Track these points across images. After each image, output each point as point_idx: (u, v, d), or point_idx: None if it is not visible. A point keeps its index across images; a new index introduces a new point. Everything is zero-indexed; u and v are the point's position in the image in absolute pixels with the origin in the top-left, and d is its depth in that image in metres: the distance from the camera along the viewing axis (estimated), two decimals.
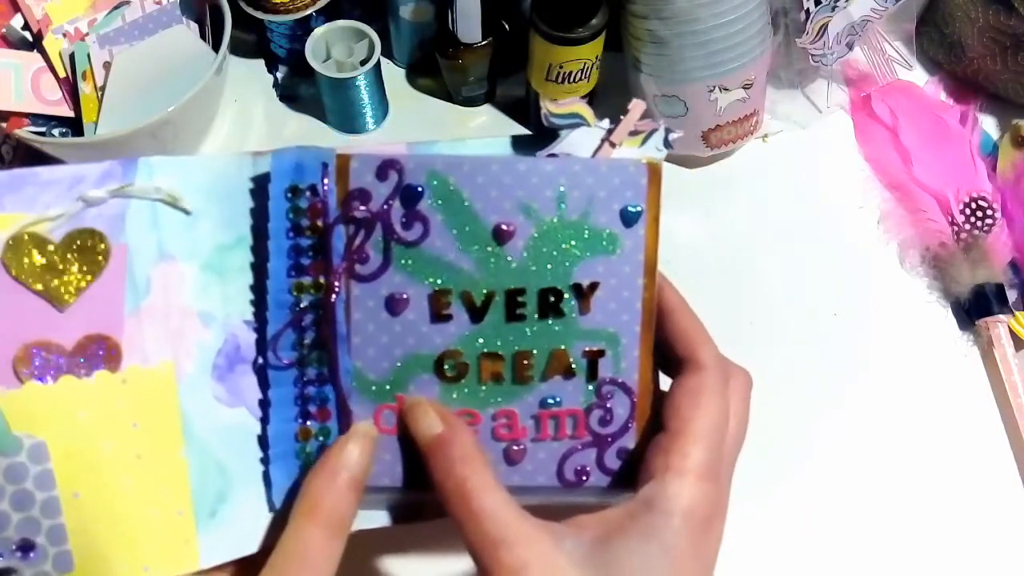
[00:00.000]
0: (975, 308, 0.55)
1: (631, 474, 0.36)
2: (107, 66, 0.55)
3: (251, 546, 0.35)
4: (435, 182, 0.34)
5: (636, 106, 0.36)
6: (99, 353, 0.33)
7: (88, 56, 0.54)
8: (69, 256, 0.33)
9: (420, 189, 0.34)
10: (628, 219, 0.35)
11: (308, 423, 0.35)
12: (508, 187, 0.34)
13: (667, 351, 0.36)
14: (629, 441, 0.36)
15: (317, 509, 0.32)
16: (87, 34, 0.55)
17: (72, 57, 0.55)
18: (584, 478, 0.36)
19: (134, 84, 0.55)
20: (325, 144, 0.36)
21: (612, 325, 0.35)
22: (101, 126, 0.55)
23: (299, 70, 0.63)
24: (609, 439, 0.36)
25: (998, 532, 0.50)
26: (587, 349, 0.35)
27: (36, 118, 0.55)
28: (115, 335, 0.33)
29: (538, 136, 0.37)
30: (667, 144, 0.36)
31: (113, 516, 0.32)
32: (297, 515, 0.32)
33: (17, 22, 0.55)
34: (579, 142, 0.36)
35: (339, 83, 0.57)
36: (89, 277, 0.33)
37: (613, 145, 0.36)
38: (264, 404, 0.35)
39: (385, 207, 0.34)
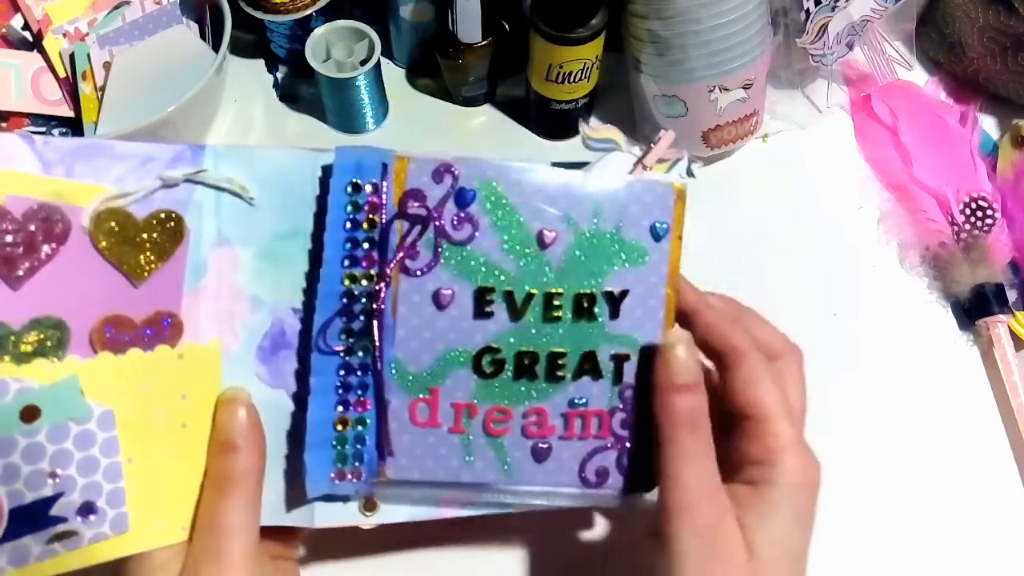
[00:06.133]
0: (975, 308, 0.55)
1: (647, 477, 0.38)
2: (107, 66, 0.55)
3: (275, 517, 0.37)
4: (487, 187, 0.36)
5: (667, 136, 0.39)
6: (165, 328, 0.35)
7: (88, 56, 0.54)
8: (149, 235, 0.35)
9: (472, 192, 0.36)
10: (656, 234, 0.37)
11: (347, 412, 0.37)
12: (552, 197, 0.36)
13: (701, 343, 0.38)
14: (647, 445, 0.37)
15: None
16: (87, 34, 0.55)
17: (72, 57, 0.55)
18: (604, 479, 0.38)
19: (134, 84, 0.55)
20: (325, 145, 0.37)
21: (637, 331, 0.37)
22: (101, 126, 0.55)
23: (299, 70, 0.63)
24: (629, 442, 0.38)
25: (998, 532, 0.50)
26: (615, 353, 0.37)
27: (36, 118, 0.55)
28: (177, 312, 0.35)
29: (574, 164, 0.39)
30: (689, 173, 0.39)
31: (158, 480, 0.35)
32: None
33: (17, 22, 0.55)
34: (612, 164, 0.39)
35: (339, 83, 0.57)
36: (163, 257, 0.35)
37: (645, 168, 0.38)
38: (305, 391, 0.36)
39: (438, 207, 0.36)
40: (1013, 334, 0.54)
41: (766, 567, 0.34)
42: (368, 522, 0.38)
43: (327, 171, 0.36)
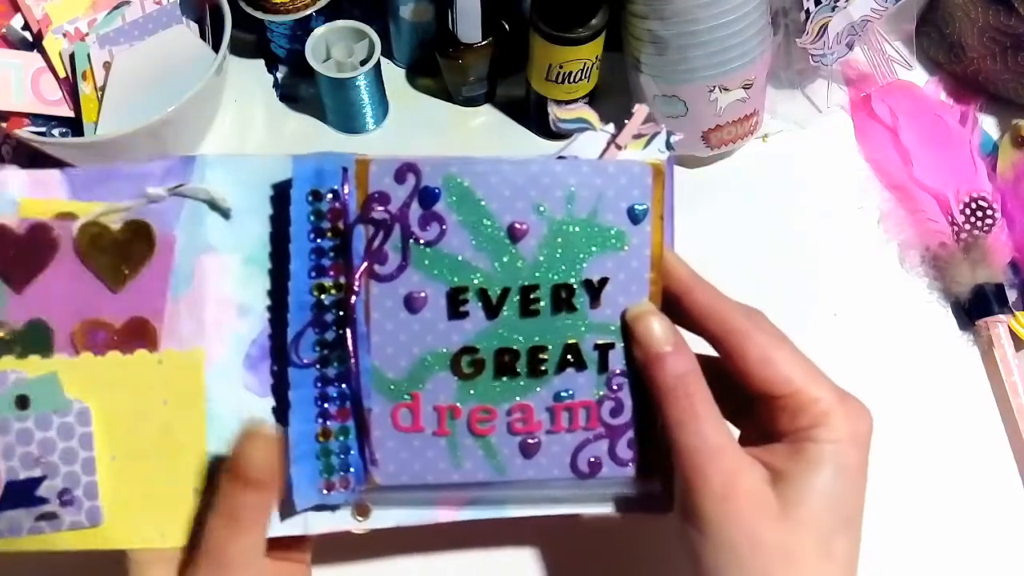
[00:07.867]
0: (975, 308, 0.55)
1: (643, 463, 0.37)
2: (107, 66, 0.55)
3: (270, 528, 0.36)
4: (451, 183, 0.35)
5: (640, 110, 0.37)
6: (142, 333, 0.36)
7: (88, 56, 0.54)
8: (121, 243, 0.36)
9: (437, 190, 0.35)
10: (635, 217, 0.36)
11: (328, 423, 0.36)
12: (521, 187, 0.35)
13: (697, 329, 0.37)
14: (639, 431, 0.37)
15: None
16: (87, 34, 0.55)
17: (72, 57, 0.55)
18: (597, 469, 0.37)
19: (134, 84, 0.55)
20: (326, 144, 0.36)
21: (620, 319, 0.36)
22: (101, 126, 0.55)
23: (299, 70, 0.63)
24: (620, 430, 0.37)
25: (998, 532, 0.50)
26: (598, 342, 0.37)
27: (36, 118, 0.55)
28: (156, 320, 0.36)
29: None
30: (669, 146, 0.38)
31: (140, 482, 0.36)
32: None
33: (17, 22, 0.55)
34: (586, 145, 0.38)
35: (339, 83, 0.57)
36: (140, 265, 0.36)
37: (619, 147, 0.37)
38: (285, 406, 0.36)
39: (403, 208, 0.35)
40: (1013, 334, 0.54)
41: (804, 523, 0.32)
42: (361, 527, 0.38)
43: (283, 185, 0.36)
